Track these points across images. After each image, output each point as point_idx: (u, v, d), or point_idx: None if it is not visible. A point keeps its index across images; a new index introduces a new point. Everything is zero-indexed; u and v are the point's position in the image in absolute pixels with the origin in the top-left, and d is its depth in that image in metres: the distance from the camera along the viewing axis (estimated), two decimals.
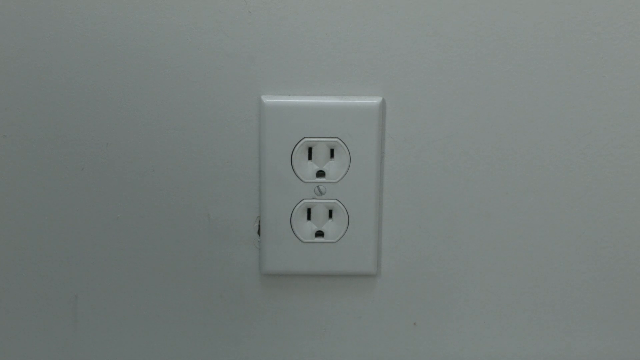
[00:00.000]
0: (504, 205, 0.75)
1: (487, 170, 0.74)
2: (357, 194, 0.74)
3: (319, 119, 0.72)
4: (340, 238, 0.75)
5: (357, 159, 0.73)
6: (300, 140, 0.73)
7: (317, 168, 0.74)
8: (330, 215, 0.75)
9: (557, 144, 0.74)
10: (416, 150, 0.74)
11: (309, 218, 0.75)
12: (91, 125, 0.73)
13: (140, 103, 0.73)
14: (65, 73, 0.72)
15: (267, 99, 0.72)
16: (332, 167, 0.74)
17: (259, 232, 0.76)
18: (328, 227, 0.75)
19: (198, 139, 0.74)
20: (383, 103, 0.73)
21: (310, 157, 0.73)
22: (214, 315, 0.78)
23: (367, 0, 0.70)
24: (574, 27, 0.71)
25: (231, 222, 0.76)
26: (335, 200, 0.74)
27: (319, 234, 0.75)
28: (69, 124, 0.73)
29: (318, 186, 0.74)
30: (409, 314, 0.78)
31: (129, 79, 0.72)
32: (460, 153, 0.74)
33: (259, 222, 0.75)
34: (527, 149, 0.74)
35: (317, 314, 0.78)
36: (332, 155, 0.73)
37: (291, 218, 0.75)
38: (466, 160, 0.74)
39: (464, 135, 0.73)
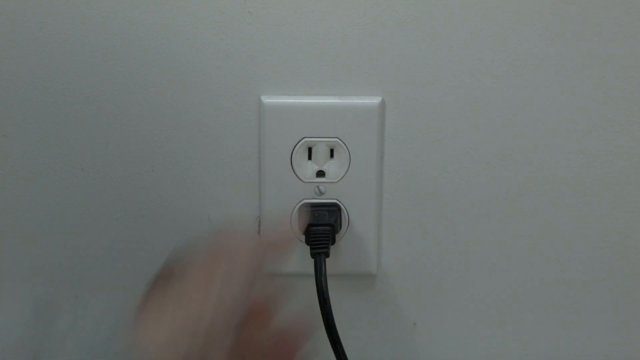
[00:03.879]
0: (504, 205, 0.75)
1: (487, 170, 0.74)
2: (357, 194, 0.74)
3: (318, 119, 0.72)
4: (341, 238, 0.75)
5: (357, 159, 0.73)
6: (300, 140, 0.73)
7: (317, 168, 0.73)
8: None
9: (558, 144, 0.73)
10: (416, 150, 0.74)
11: None
12: (91, 125, 0.73)
13: (140, 103, 0.73)
14: (65, 73, 0.72)
15: (267, 99, 0.72)
16: (332, 167, 0.74)
17: (259, 232, 0.76)
18: None
19: (198, 139, 0.74)
20: (383, 103, 0.73)
21: (310, 157, 0.73)
22: None
23: (367, 0, 0.70)
24: (574, 27, 0.71)
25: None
26: (335, 201, 0.74)
27: None
28: (69, 124, 0.73)
29: (318, 186, 0.74)
30: (408, 314, 0.78)
31: (128, 79, 0.72)
32: (460, 153, 0.74)
33: (259, 222, 0.75)
34: (527, 149, 0.74)
35: (318, 314, 0.78)
36: (332, 155, 0.73)
37: (291, 218, 0.74)
38: (466, 160, 0.74)
39: (464, 135, 0.73)
